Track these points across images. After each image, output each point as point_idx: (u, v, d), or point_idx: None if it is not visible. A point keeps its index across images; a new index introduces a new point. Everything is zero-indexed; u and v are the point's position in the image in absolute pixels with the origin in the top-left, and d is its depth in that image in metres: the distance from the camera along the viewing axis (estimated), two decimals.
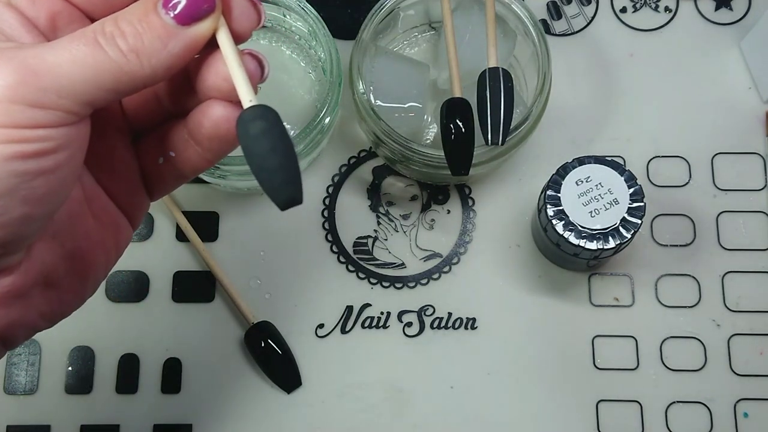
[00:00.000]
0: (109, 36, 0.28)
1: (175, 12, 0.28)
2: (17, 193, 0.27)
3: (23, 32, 0.29)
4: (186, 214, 0.54)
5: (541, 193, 0.49)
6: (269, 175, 0.28)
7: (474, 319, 0.53)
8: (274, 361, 0.51)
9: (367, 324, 0.53)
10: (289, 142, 0.28)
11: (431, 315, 0.53)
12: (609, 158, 0.48)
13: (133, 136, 0.34)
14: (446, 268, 0.54)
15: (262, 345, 0.51)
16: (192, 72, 0.30)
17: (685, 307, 0.53)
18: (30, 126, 0.27)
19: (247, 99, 0.29)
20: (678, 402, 0.51)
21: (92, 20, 0.31)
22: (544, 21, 0.58)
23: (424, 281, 0.54)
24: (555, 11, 0.58)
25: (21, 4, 0.30)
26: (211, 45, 0.29)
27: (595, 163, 0.48)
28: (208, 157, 0.32)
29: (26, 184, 0.27)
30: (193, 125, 0.31)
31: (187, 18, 0.28)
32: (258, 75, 0.30)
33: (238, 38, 0.30)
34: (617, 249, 0.48)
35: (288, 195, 0.28)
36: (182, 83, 0.32)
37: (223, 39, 0.29)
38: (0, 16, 0.29)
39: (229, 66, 0.29)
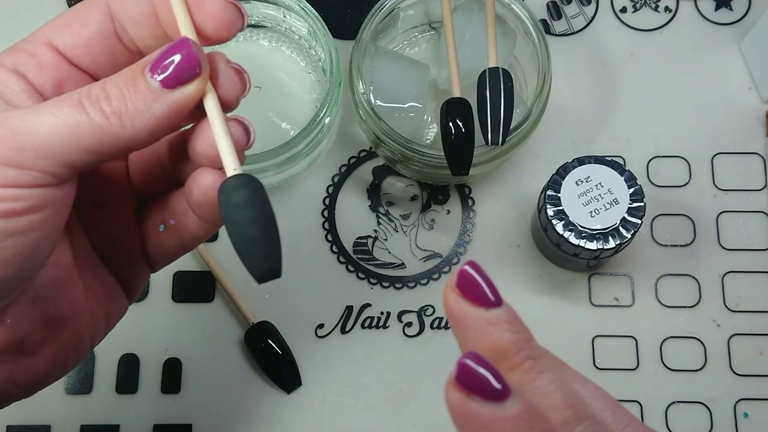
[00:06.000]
0: (94, 98, 0.28)
1: (162, 76, 0.28)
2: None
3: (24, 98, 0.29)
4: None
5: (541, 193, 0.49)
6: (248, 246, 0.27)
7: None
8: (274, 361, 0.51)
9: (367, 324, 0.53)
10: (271, 213, 0.28)
11: (431, 315, 0.53)
12: (609, 158, 0.48)
13: (137, 205, 0.34)
14: (446, 269, 0.54)
15: (262, 345, 0.51)
16: (186, 139, 0.31)
17: (685, 307, 0.53)
18: (2, 185, 0.26)
19: (231, 167, 0.28)
20: (678, 402, 0.51)
21: None
22: (544, 21, 0.58)
23: (424, 281, 0.54)
24: (555, 11, 0.58)
25: (27, 71, 0.30)
26: (204, 113, 0.29)
27: (595, 163, 0.48)
28: (203, 224, 0.32)
29: None
30: (186, 193, 0.31)
31: (173, 81, 0.28)
32: (244, 142, 0.30)
33: (225, 106, 0.30)
34: (617, 249, 0.48)
35: (266, 267, 0.27)
36: (182, 150, 0.32)
37: (210, 105, 0.29)
38: (4, 82, 0.29)
39: (214, 132, 0.29)
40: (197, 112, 0.29)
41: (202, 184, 0.30)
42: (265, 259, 0.27)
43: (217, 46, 0.32)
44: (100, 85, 0.28)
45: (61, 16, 0.31)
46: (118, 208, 0.33)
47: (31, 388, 0.31)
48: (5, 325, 0.29)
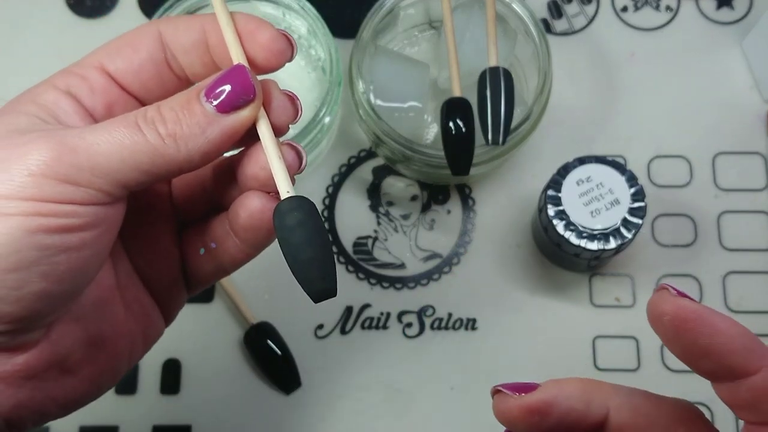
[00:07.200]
0: (150, 120, 0.28)
1: (217, 101, 0.29)
2: (37, 267, 0.27)
3: (77, 119, 0.30)
4: None
5: (542, 193, 0.49)
6: (304, 266, 0.28)
7: (474, 320, 0.53)
8: (273, 361, 0.51)
9: (366, 325, 0.53)
10: (326, 234, 0.29)
11: (431, 316, 0.53)
12: (610, 158, 0.48)
13: (178, 228, 0.35)
14: (446, 269, 0.54)
15: (262, 346, 0.51)
16: (235, 164, 0.31)
17: None
18: (59, 201, 0.27)
19: (285, 189, 0.29)
20: None
21: None
22: (544, 20, 0.58)
23: (424, 282, 0.53)
24: (556, 10, 0.58)
25: (79, 93, 0.30)
26: (253, 138, 0.30)
27: (596, 162, 0.48)
28: (245, 249, 0.33)
29: (47, 259, 0.27)
30: (231, 216, 0.32)
31: (228, 106, 0.29)
32: (296, 166, 0.31)
33: (276, 131, 0.30)
34: (618, 249, 0.47)
35: (322, 287, 0.28)
36: (227, 175, 0.32)
37: (263, 130, 0.30)
38: (57, 103, 0.30)
39: (267, 155, 0.30)
40: (247, 138, 0.30)
41: (250, 206, 0.31)
42: (320, 280, 0.28)
43: None
44: (154, 108, 0.29)
45: (113, 42, 0.32)
46: (160, 232, 0.34)
47: (68, 407, 0.32)
48: (50, 341, 0.29)
